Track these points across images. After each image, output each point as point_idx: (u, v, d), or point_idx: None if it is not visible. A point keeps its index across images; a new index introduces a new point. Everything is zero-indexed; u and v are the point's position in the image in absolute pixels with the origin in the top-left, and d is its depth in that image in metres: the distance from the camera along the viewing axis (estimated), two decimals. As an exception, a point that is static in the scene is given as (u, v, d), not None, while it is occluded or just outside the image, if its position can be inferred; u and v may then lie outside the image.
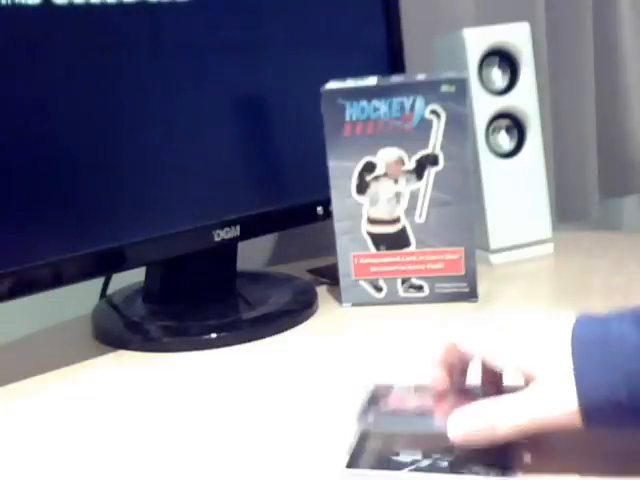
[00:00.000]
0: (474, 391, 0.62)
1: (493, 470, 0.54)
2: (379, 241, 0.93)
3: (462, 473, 0.55)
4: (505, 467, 0.55)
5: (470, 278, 0.92)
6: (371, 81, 0.93)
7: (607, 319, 0.55)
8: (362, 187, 0.92)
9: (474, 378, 0.63)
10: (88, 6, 0.80)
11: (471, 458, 0.56)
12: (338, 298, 0.96)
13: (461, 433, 0.55)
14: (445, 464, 0.56)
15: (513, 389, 0.56)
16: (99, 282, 0.99)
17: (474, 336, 0.60)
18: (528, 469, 0.55)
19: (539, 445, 0.57)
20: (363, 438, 0.60)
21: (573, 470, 0.55)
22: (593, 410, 0.52)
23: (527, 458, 0.56)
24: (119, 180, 0.84)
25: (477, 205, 1.03)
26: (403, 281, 0.94)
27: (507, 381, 0.61)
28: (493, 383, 0.62)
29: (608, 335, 0.53)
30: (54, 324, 0.96)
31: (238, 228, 0.94)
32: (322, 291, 1.00)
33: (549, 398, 0.53)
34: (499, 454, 0.55)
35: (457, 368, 0.63)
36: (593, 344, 0.53)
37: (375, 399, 0.63)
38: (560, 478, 0.55)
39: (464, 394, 0.62)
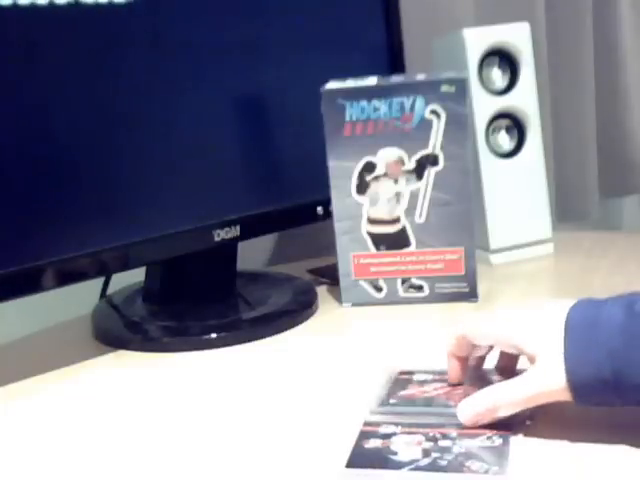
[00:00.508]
0: (488, 376, 0.68)
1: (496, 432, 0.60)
2: (379, 241, 0.93)
3: (461, 472, 0.55)
4: (507, 429, 0.60)
5: (470, 278, 0.92)
6: (371, 81, 0.93)
7: (602, 303, 0.59)
8: (362, 187, 0.92)
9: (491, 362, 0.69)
10: (88, 6, 0.80)
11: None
12: (338, 298, 0.96)
13: (469, 417, 0.61)
14: (444, 463, 0.56)
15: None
16: (99, 282, 0.99)
17: (480, 326, 0.65)
18: (528, 432, 0.60)
19: (539, 411, 0.61)
20: (363, 437, 0.60)
21: (566, 437, 0.59)
22: (580, 387, 0.57)
23: (528, 422, 0.61)
24: (119, 180, 0.85)
25: (477, 205, 1.03)
26: (403, 281, 0.94)
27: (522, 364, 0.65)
28: (508, 367, 0.67)
29: (598, 317, 0.57)
30: (54, 324, 0.96)
31: (238, 228, 0.94)
32: (322, 291, 1.00)
33: (543, 377, 0.58)
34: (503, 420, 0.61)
35: (470, 356, 0.67)
36: (584, 325, 0.58)
37: (396, 385, 0.69)
38: (554, 442, 0.59)
39: (478, 379, 0.67)
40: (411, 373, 0.71)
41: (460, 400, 0.62)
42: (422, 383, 0.69)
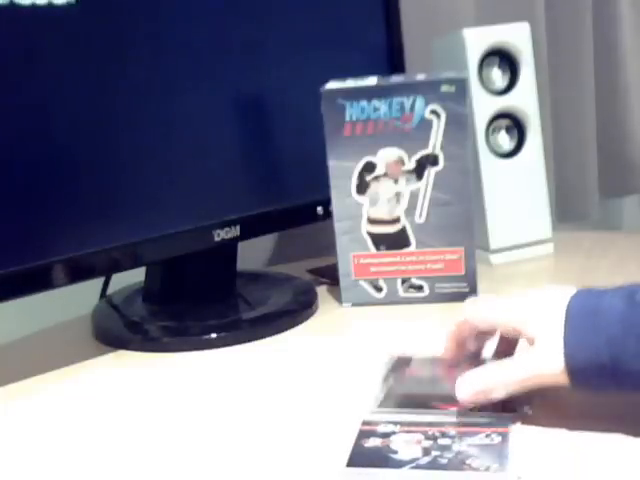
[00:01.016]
0: (486, 361, 0.69)
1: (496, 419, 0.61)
2: (379, 241, 0.93)
3: (462, 470, 0.55)
4: (507, 416, 0.61)
5: (470, 278, 0.92)
6: (371, 81, 0.93)
7: (602, 292, 0.61)
8: (362, 187, 0.92)
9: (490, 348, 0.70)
10: (88, 5, 0.80)
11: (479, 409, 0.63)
12: (338, 298, 0.96)
13: (467, 394, 0.62)
14: (445, 461, 0.56)
15: None
16: (99, 282, 0.99)
17: (481, 309, 0.67)
18: (527, 420, 0.61)
19: (539, 400, 0.63)
20: (362, 436, 0.60)
21: (564, 425, 0.60)
22: (578, 371, 0.58)
23: (528, 410, 0.63)
24: (119, 180, 0.85)
25: (477, 205, 1.03)
26: (403, 281, 0.94)
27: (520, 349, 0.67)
28: (506, 352, 0.68)
29: (599, 305, 0.59)
30: (54, 324, 0.96)
31: (238, 228, 0.94)
32: (322, 291, 1.00)
33: (541, 359, 0.60)
34: (503, 406, 0.62)
35: (470, 341, 0.68)
36: (584, 312, 0.59)
37: (395, 368, 0.71)
38: (552, 439, 0.60)
39: (476, 363, 0.67)
40: (409, 358, 0.72)
41: (454, 405, 0.63)
42: (420, 367, 0.70)
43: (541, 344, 0.60)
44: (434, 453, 0.57)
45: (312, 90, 0.91)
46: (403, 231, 0.93)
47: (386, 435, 0.60)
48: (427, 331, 0.85)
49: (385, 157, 0.91)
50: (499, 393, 0.61)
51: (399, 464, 0.56)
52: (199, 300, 0.94)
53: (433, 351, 0.71)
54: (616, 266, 1.03)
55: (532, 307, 0.63)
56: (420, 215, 0.92)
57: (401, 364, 0.71)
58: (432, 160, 0.91)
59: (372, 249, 0.93)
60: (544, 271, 1.05)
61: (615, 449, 0.58)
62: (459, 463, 0.55)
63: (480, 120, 1.05)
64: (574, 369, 0.58)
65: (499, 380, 0.61)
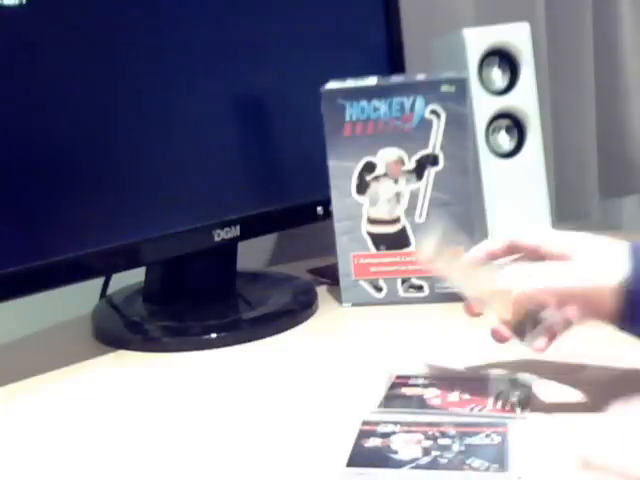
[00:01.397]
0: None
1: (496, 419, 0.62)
2: (379, 241, 0.93)
3: (462, 470, 0.55)
4: (507, 416, 0.62)
5: (470, 278, 0.92)
6: (371, 81, 0.93)
7: None
8: (362, 187, 0.92)
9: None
10: (88, 5, 0.80)
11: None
12: (338, 298, 0.96)
13: (504, 282, 0.63)
14: (445, 461, 0.56)
15: None
16: (99, 282, 0.99)
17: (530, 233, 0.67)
18: (526, 428, 0.61)
19: (539, 400, 0.65)
20: (362, 436, 0.60)
21: (564, 433, 0.60)
22: (630, 292, 0.59)
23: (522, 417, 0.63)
24: (119, 180, 0.85)
25: (477, 205, 1.03)
26: (403, 281, 0.94)
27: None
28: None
29: None
30: (54, 324, 0.96)
31: (238, 228, 0.94)
32: (322, 291, 1.00)
33: (600, 272, 0.61)
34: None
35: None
36: None
37: (394, 385, 0.69)
38: (552, 438, 0.60)
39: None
40: (408, 377, 0.71)
41: (454, 405, 0.63)
42: (418, 386, 0.69)
43: (599, 260, 0.61)
44: (434, 453, 0.57)
45: (312, 90, 0.91)
46: (403, 231, 0.93)
47: (386, 435, 0.60)
48: (427, 331, 0.85)
49: (385, 157, 0.91)
50: (546, 291, 0.61)
51: (399, 464, 0.56)
52: (199, 300, 0.94)
53: (432, 367, 0.72)
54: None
55: (583, 237, 0.64)
56: (420, 215, 0.92)
57: (399, 385, 0.69)
58: (432, 160, 0.91)
59: (372, 249, 0.93)
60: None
61: (616, 449, 0.57)
62: (459, 463, 0.55)
63: (480, 120, 1.05)
64: (629, 290, 0.59)
65: (544, 281, 0.61)
